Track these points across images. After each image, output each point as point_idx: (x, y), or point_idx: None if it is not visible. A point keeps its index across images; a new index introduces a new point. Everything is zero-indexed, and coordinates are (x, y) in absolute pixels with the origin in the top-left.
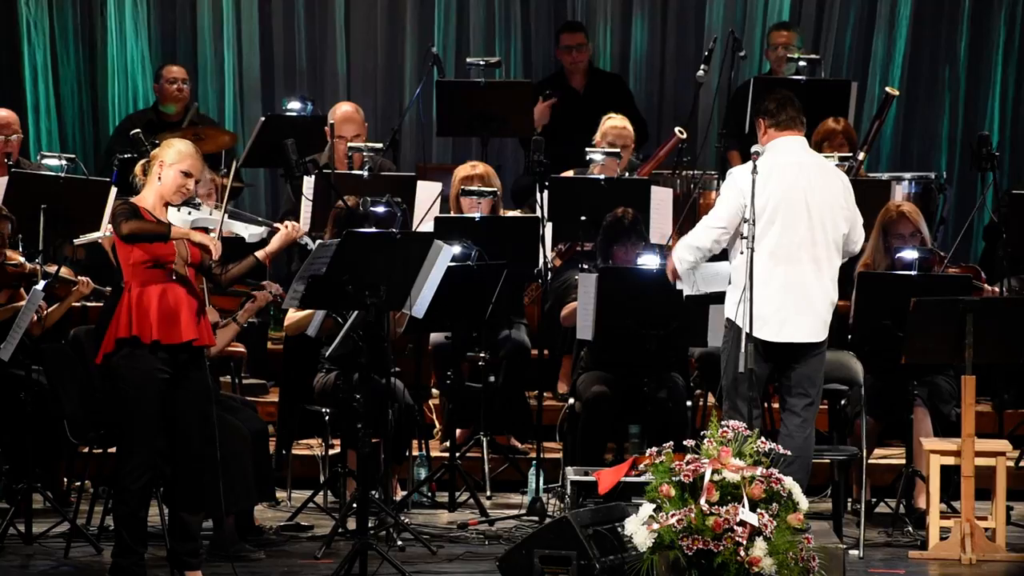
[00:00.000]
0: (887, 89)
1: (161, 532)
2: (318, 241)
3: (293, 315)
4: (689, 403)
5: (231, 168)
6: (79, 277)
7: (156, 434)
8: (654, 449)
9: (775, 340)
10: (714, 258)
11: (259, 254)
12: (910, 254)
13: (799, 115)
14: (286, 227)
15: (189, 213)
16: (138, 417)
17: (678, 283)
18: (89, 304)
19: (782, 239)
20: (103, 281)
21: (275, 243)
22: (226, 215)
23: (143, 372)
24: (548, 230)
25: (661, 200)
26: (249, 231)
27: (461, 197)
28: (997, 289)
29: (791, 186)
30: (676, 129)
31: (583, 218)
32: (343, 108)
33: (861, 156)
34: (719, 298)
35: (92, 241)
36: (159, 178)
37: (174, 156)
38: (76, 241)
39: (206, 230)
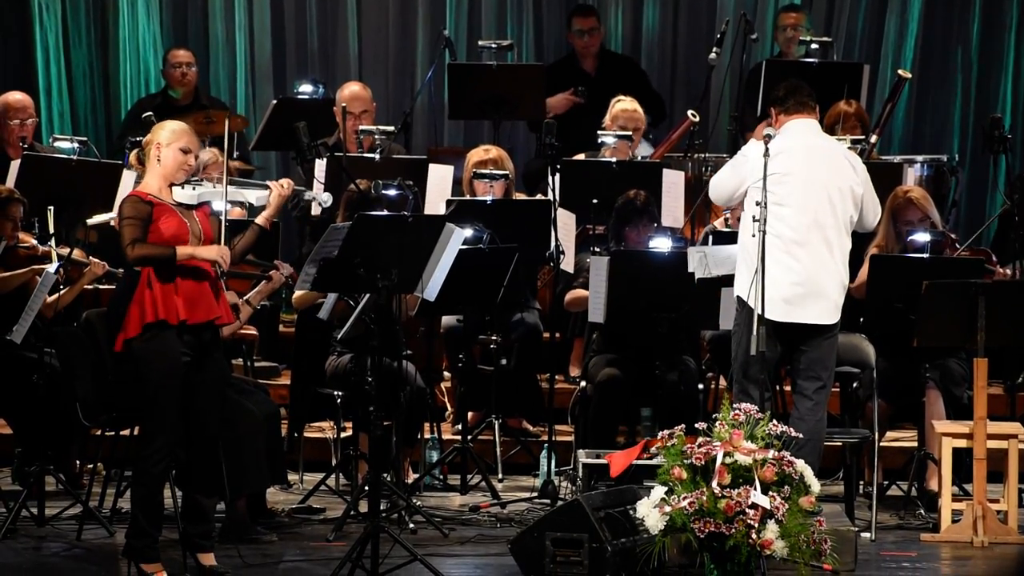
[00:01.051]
0: (899, 72)
1: (174, 515)
2: (331, 225)
3: (301, 294)
4: (701, 386)
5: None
6: (92, 259)
7: (177, 418)
8: (666, 432)
9: (785, 320)
10: (725, 241)
11: (259, 220)
12: (922, 237)
13: (809, 100)
14: (277, 186)
15: (194, 189)
16: (161, 401)
17: (690, 265)
18: (101, 287)
19: (792, 221)
20: (116, 263)
21: (272, 206)
22: (229, 186)
23: (168, 356)
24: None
25: (673, 183)
26: (256, 196)
27: (474, 180)
28: (1009, 272)
29: (801, 168)
30: (689, 112)
31: (595, 201)
32: (351, 87)
33: (873, 139)
34: (730, 281)
35: (104, 223)
36: (158, 160)
37: (169, 136)
38: (88, 222)
39: (210, 210)
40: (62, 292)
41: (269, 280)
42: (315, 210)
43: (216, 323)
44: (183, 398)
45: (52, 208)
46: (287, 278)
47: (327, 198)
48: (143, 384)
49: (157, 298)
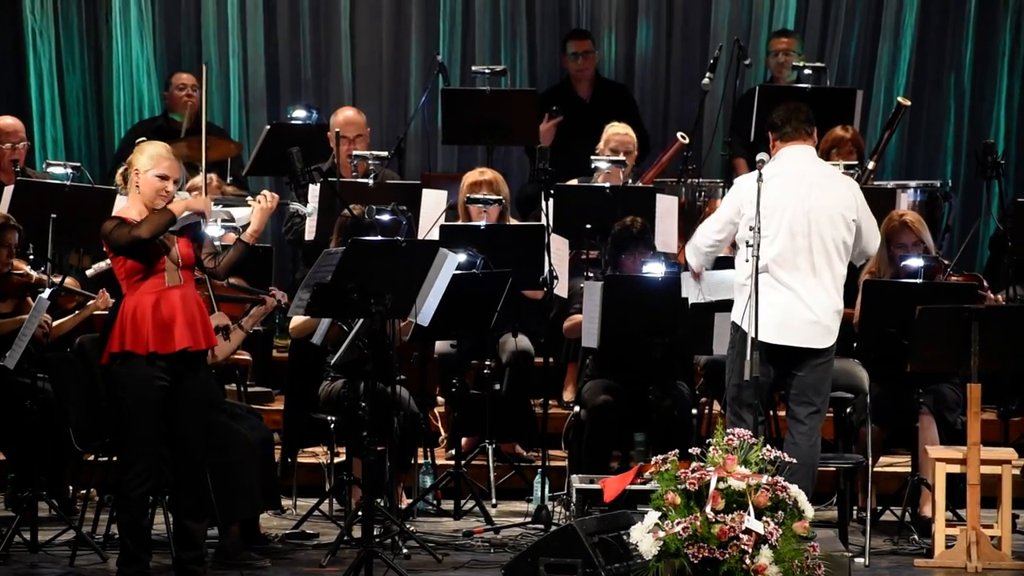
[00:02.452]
0: (899, 99)
1: (167, 540)
2: (324, 250)
3: (298, 320)
4: (694, 411)
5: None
6: (101, 292)
7: (157, 442)
8: (659, 457)
9: (775, 342)
10: (720, 266)
11: (244, 237)
12: (915, 262)
13: (805, 125)
14: (259, 200)
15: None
16: (138, 426)
17: (683, 290)
18: (96, 312)
19: (781, 247)
20: (114, 293)
21: (256, 220)
22: (213, 204)
23: (141, 381)
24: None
25: (666, 208)
26: (239, 213)
27: (468, 204)
28: (1000, 297)
29: (791, 195)
30: (678, 134)
31: (588, 226)
32: (344, 112)
33: (871, 165)
34: (724, 306)
35: (104, 270)
36: (136, 187)
37: (146, 162)
38: (88, 273)
39: (197, 226)
40: (64, 320)
41: (262, 304)
42: (308, 233)
43: (190, 351)
44: (162, 422)
45: (54, 216)
46: (280, 303)
47: (311, 209)
48: (120, 409)
49: (127, 328)
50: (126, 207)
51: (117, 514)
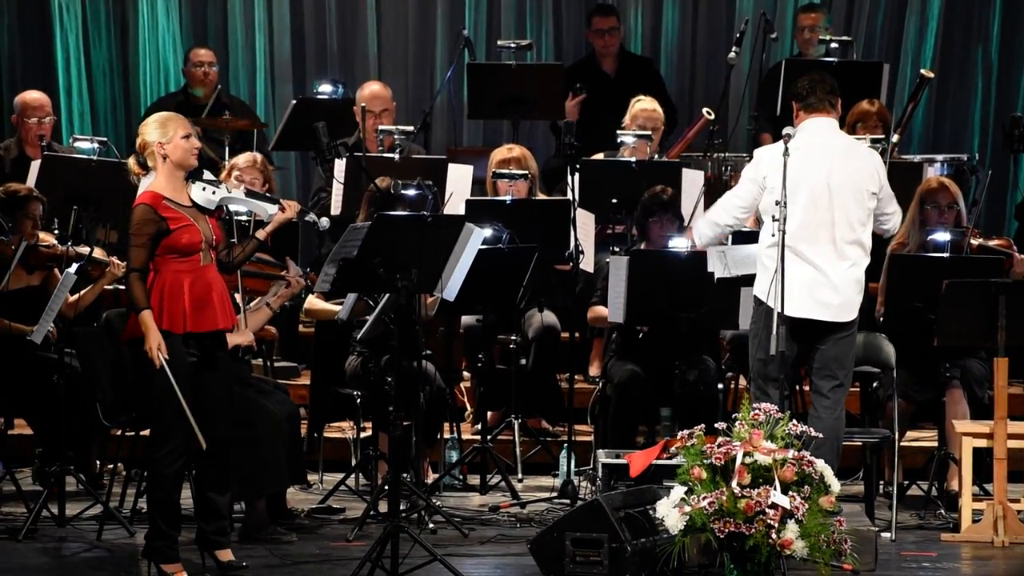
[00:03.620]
0: (922, 72)
1: (192, 515)
2: (350, 225)
3: (315, 304)
4: (720, 386)
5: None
6: (111, 258)
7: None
8: (685, 432)
9: (797, 316)
10: (745, 240)
11: (259, 234)
12: (942, 236)
13: (829, 96)
14: (287, 207)
15: (214, 193)
16: (173, 403)
17: (709, 265)
18: (121, 287)
19: (802, 219)
20: None
21: (274, 223)
22: (242, 192)
23: (176, 359)
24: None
25: (692, 182)
26: (268, 212)
27: (496, 180)
28: None
29: (813, 167)
30: (704, 110)
31: (614, 201)
32: (370, 86)
33: (895, 138)
34: (750, 280)
35: None
36: (164, 159)
37: (164, 132)
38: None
39: (225, 211)
40: (83, 292)
41: (288, 285)
42: (334, 208)
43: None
44: (192, 398)
45: (76, 208)
46: (304, 279)
47: (326, 223)
48: (152, 387)
49: (164, 306)
50: (156, 183)
51: (148, 490)
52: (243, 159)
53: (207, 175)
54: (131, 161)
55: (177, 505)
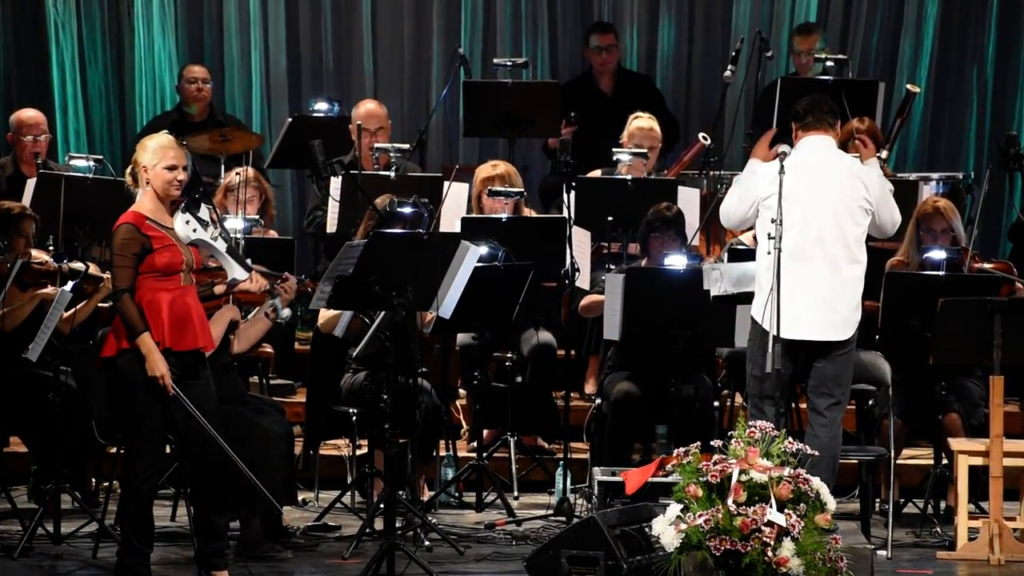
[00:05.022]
0: (908, 86)
1: (188, 532)
2: (346, 243)
3: (325, 314)
4: (716, 403)
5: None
6: (106, 275)
7: (165, 436)
8: (681, 449)
9: (789, 337)
10: (741, 259)
11: (217, 289)
12: (938, 254)
13: (828, 116)
14: (251, 279)
15: (194, 231)
16: (148, 419)
17: (705, 283)
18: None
19: (796, 237)
20: None
21: (234, 287)
22: (223, 243)
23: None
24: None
25: (688, 200)
26: (234, 274)
27: (488, 197)
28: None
29: (807, 185)
30: (700, 135)
31: (610, 219)
32: (366, 104)
33: (884, 154)
34: (747, 298)
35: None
36: (147, 183)
37: (152, 157)
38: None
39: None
40: (78, 308)
41: (281, 295)
42: (330, 226)
43: (202, 350)
44: (171, 417)
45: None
46: (300, 287)
47: (287, 314)
48: (129, 402)
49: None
50: (141, 203)
51: (123, 506)
52: (235, 178)
53: (203, 210)
54: (127, 175)
55: (151, 522)
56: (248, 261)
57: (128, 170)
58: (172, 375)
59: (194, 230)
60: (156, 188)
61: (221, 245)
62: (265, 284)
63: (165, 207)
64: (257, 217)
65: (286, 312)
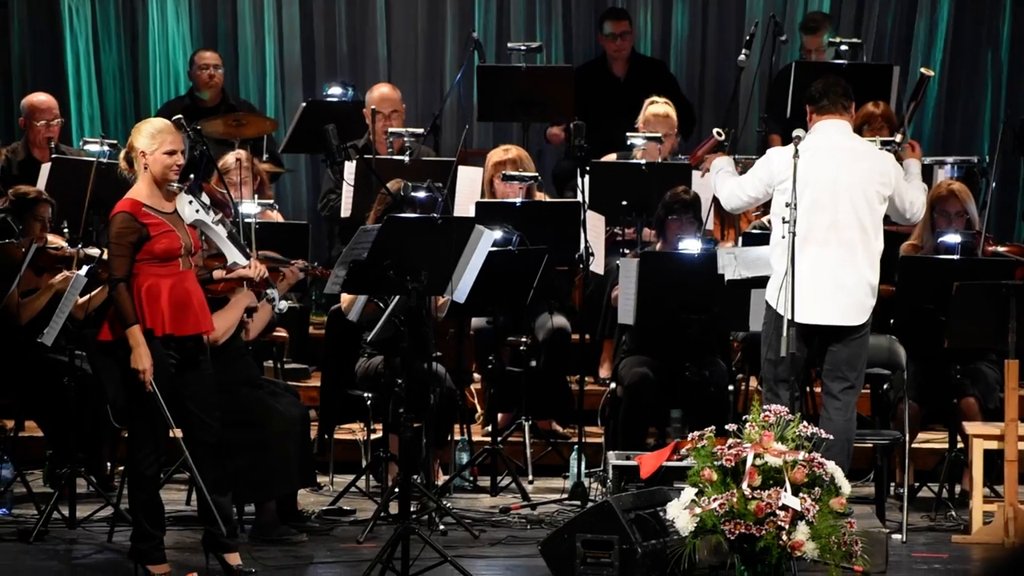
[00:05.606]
0: (921, 70)
1: (197, 516)
2: (361, 227)
3: (345, 298)
4: (731, 387)
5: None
6: None
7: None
8: (696, 433)
9: (804, 321)
10: (756, 242)
11: (216, 274)
12: (953, 238)
13: (842, 99)
14: (251, 266)
15: (196, 212)
16: (150, 405)
17: (719, 267)
18: None
19: (810, 221)
20: None
21: (234, 272)
22: (224, 230)
23: (156, 361)
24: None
25: (702, 185)
26: (234, 259)
27: (500, 182)
28: None
29: (821, 169)
30: (714, 131)
31: (624, 203)
32: (380, 89)
33: (898, 137)
34: (760, 282)
35: None
36: (145, 168)
37: (149, 142)
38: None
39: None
40: (93, 293)
41: (283, 279)
42: (344, 210)
43: (204, 335)
44: (174, 401)
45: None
46: (304, 273)
47: (284, 306)
48: (131, 389)
49: (144, 309)
50: (137, 189)
51: (130, 492)
52: (231, 160)
53: (204, 196)
54: (122, 159)
55: (160, 506)
56: (247, 248)
57: (122, 155)
58: (171, 359)
59: (196, 211)
60: (155, 173)
61: (222, 231)
62: (264, 271)
63: (162, 192)
64: (271, 201)
65: (283, 304)
